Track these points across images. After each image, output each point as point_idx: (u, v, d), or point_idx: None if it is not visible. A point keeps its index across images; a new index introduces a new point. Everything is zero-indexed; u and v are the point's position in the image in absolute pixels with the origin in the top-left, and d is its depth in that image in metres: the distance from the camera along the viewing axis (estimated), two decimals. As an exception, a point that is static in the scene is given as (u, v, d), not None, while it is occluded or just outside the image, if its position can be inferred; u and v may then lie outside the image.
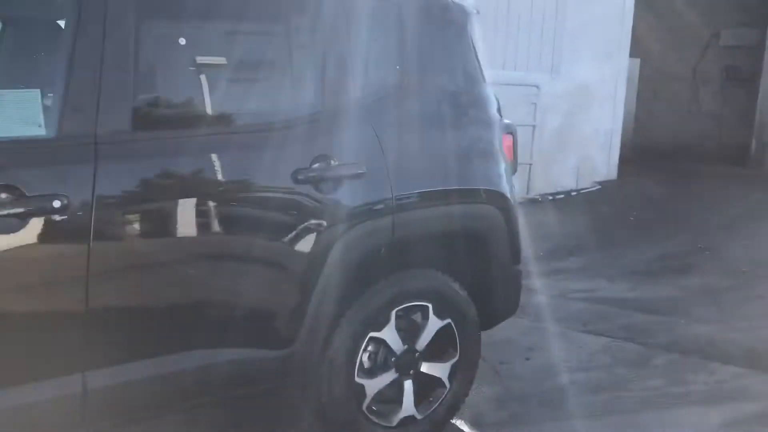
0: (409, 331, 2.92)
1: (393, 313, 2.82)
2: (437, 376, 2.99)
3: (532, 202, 8.56)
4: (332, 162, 2.57)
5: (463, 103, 3.02)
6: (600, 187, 9.57)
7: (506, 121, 3.19)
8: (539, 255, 6.26)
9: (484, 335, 4.22)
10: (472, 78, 3.07)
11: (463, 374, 3.07)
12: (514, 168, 3.22)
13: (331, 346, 2.70)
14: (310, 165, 2.53)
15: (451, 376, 3.03)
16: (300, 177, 2.49)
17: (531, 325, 4.57)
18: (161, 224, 2.31)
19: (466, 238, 2.99)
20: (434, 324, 2.94)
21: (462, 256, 3.01)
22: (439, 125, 2.89)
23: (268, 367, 2.57)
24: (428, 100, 2.89)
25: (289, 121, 2.54)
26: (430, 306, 2.91)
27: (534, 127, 8.52)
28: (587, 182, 9.52)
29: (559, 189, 9.00)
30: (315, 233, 2.54)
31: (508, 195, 3.08)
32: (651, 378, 3.82)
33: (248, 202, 2.45)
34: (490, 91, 3.16)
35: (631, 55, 12.67)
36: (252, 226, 2.45)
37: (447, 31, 3.01)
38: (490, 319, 3.24)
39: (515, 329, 4.47)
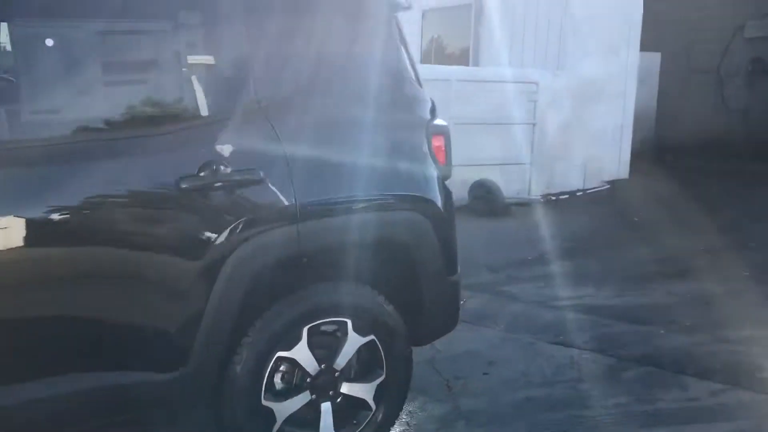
0: (328, 349, 2.71)
1: (305, 331, 2.61)
2: (361, 397, 2.78)
3: (534, 203, 8.26)
4: (223, 168, 2.37)
5: (384, 102, 2.80)
6: (609, 186, 9.22)
7: (438, 122, 2.96)
8: (527, 259, 5.99)
9: (445, 347, 4.04)
10: (395, 75, 2.85)
11: (392, 395, 2.85)
12: (448, 172, 2.98)
13: (232, 367, 2.51)
14: (198, 172, 2.34)
15: (377, 397, 2.81)
16: (185, 185, 2.31)
17: (499, 336, 4.32)
18: (28, 238, 2.14)
19: (388, 249, 2.78)
20: (354, 341, 2.73)
21: (385, 268, 2.80)
22: (354, 126, 2.68)
23: (156, 391, 2.38)
24: (342, 99, 2.68)
25: (174, 124, 2.36)
26: (348, 322, 2.70)
27: (534, 125, 8.21)
28: (595, 182, 9.18)
29: (564, 189, 8.68)
30: (203, 246, 2.35)
31: (438, 201, 2.86)
32: (617, 395, 3.54)
33: (124, 214, 2.27)
34: (419, 90, 2.93)
35: (651, 49, 12.28)
36: (130, 239, 2.28)
37: (365, 24, 2.79)
38: (424, 335, 3.02)
39: (481, 340, 4.24)
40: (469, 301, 4.83)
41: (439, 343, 4.04)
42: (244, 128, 2.47)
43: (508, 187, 8.13)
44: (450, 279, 2.97)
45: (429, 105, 2.97)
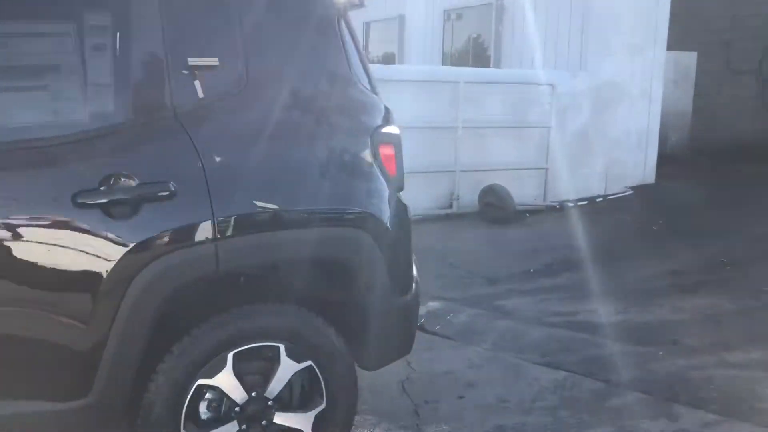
0: (261, 375, 2.50)
1: (230, 357, 2.41)
2: (297, 428, 2.56)
3: (549, 210, 7.93)
4: (128, 181, 2.18)
5: (322, 108, 2.58)
6: (632, 192, 8.81)
7: (389, 129, 2.72)
8: (530, 271, 5.69)
9: (421, 366, 3.80)
10: (338, 80, 2.63)
11: (333, 425, 2.62)
12: (400, 184, 2.74)
13: (146, 396, 2.32)
14: (99, 186, 2.15)
15: (316, 428, 2.58)
16: (82, 200, 2.12)
17: (483, 355, 4.05)
18: None
19: (325, 268, 2.55)
20: (288, 367, 2.51)
21: (323, 288, 2.58)
22: (286, 135, 2.46)
23: (56, 421, 2.20)
24: (272, 104, 2.46)
25: (73, 134, 2.17)
26: (281, 347, 2.48)
27: (549, 129, 7.88)
28: (618, 187, 8.78)
29: (584, 195, 8.30)
30: (104, 267, 2.16)
31: (384, 216, 2.62)
32: (599, 424, 3.25)
33: (15, 233, 2.09)
34: (369, 95, 2.70)
35: (688, 48, 11.79)
36: (21, 260, 2.10)
37: (302, 24, 2.57)
38: (373, 360, 2.79)
39: (462, 359, 3.98)
40: (457, 316, 4.58)
41: (416, 362, 3.85)
42: (155, 137, 2.28)
43: (523, 193, 7.82)
44: (401, 300, 2.73)
45: (380, 111, 2.74)
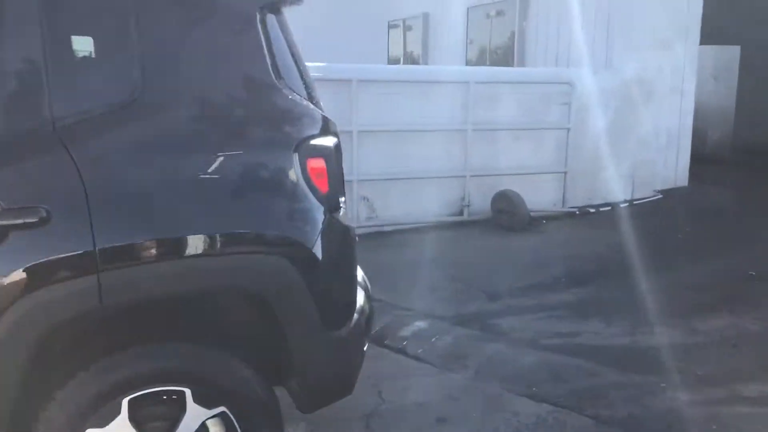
0: (165, 422, 2.20)
1: (125, 403, 2.11)
2: (210, 482, 2.25)
3: (567, 217, 7.47)
4: (-12, 206, 1.90)
5: (234, 118, 2.26)
6: (661, 196, 8.27)
7: (320, 141, 2.38)
8: (535, 285, 5.27)
9: (393, 396, 3.44)
10: (257, 85, 2.31)
11: (255, 478, 2.31)
12: (334, 202, 2.41)
13: (24, 448, 2.04)
14: (-48, 211, 1.88)
15: (234, 482, 2.27)
16: (-70, 229, 1.85)
17: (464, 384, 3.68)
18: None
19: (236, 301, 2.24)
20: (196, 414, 2.21)
21: (234, 324, 2.26)
22: (187, 150, 2.15)
23: None
24: (172, 115, 2.15)
25: None
26: (187, 391, 2.18)
27: (568, 130, 7.42)
28: (646, 191, 8.25)
29: (609, 200, 7.81)
30: (-39, 305, 1.88)
31: (308, 240, 2.28)
32: (578, 471, 2.86)
33: None
34: (298, 103, 2.37)
35: (731, 42, 11.13)
36: None
37: (213, 21, 2.26)
38: (304, 403, 2.46)
39: (440, 389, 3.63)
40: (443, 338, 4.22)
41: (388, 391, 3.53)
42: (28, 155, 1.99)
43: (541, 198, 7.39)
44: (333, 335, 2.39)
45: (312, 121, 2.41)
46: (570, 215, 7.49)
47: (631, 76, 7.92)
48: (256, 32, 2.30)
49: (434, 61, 11.98)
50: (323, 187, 2.37)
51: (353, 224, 2.67)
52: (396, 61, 12.96)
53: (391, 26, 13.22)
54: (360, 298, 2.65)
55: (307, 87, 2.50)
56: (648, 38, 8.15)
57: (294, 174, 2.29)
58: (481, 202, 7.14)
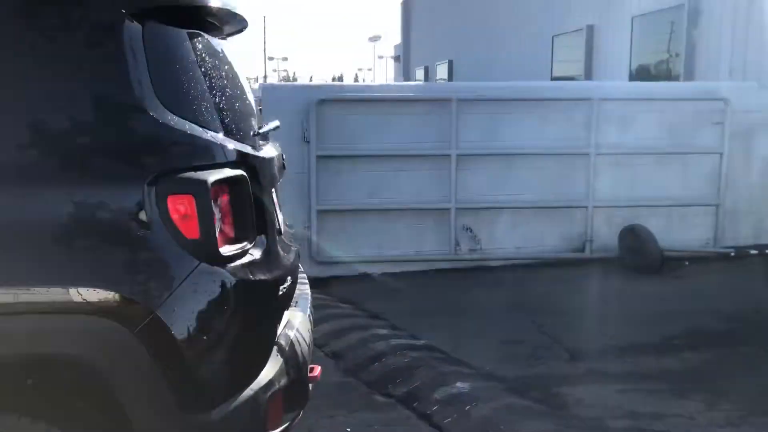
0: None
1: None
2: None
3: (718, 258, 6.23)
4: None
5: (73, 146, 1.86)
6: None
7: (192, 175, 1.91)
8: (637, 344, 4.32)
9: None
10: (111, 107, 1.89)
11: None
12: (209, 249, 1.91)
13: None
14: None
15: None
16: None
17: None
18: None
19: (59, 373, 1.82)
20: None
21: (67, 400, 1.85)
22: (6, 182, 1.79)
23: None
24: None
25: None
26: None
27: (721, 155, 6.20)
28: (835, 229, 6.70)
29: (782, 239, 6.44)
30: None
31: (155, 299, 1.82)
32: None
33: None
34: (168, 128, 1.91)
35: None
36: None
37: (57, 31, 1.88)
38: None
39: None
40: (482, 407, 3.49)
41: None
42: None
43: (686, 235, 6.26)
44: (195, 419, 1.90)
45: (190, 150, 1.94)
46: (723, 257, 6.25)
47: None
48: (116, 45, 1.89)
49: (597, 75, 10.95)
50: (191, 232, 1.89)
51: (281, 272, 2.19)
52: (559, 78, 12.05)
53: (556, 39, 12.32)
54: (271, 367, 2.13)
55: (223, 112, 2.07)
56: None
57: (146, 216, 1.84)
58: (607, 238, 6.17)
